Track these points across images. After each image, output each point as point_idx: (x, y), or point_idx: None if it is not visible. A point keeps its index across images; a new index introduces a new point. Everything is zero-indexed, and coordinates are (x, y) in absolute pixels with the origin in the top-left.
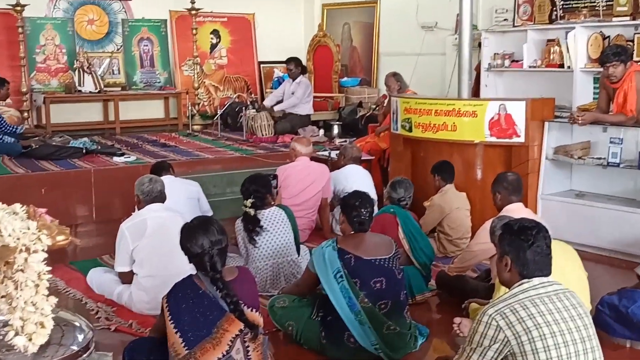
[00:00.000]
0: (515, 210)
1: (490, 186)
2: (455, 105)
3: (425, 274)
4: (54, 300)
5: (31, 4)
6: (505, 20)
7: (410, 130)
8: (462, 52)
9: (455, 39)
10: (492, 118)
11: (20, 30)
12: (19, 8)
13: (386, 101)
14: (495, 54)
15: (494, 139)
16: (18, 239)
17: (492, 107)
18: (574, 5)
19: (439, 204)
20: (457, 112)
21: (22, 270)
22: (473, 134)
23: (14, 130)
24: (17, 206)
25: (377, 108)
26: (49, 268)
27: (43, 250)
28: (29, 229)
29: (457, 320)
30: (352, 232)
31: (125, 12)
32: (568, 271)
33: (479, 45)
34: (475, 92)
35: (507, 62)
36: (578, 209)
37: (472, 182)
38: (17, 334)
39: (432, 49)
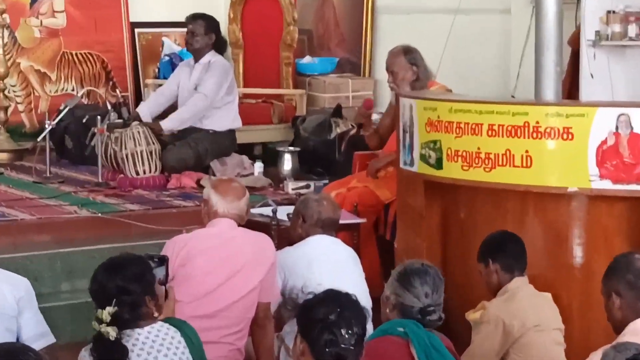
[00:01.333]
0: None
1: (602, 281)
2: (529, 115)
3: None
4: None
5: None
6: None
7: (438, 165)
8: (543, 9)
9: None
10: (604, 142)
11: None
12: None
13: (389, 106)
14: (609, 12)
15: (607, 185)
16: None
17: (603, 119)
18: None
19: (499, 318)
20: (534, 129)
21: None
22: (566, 174)
23: None
24: None
25: (362, 128)
26: None
27: None
28: None
29: None
30: None
31: None
32: None
33: None
34: (571, 90)
35: (633, 30)
36: None
37: (564, 272)
38: None
39: (484, 2)
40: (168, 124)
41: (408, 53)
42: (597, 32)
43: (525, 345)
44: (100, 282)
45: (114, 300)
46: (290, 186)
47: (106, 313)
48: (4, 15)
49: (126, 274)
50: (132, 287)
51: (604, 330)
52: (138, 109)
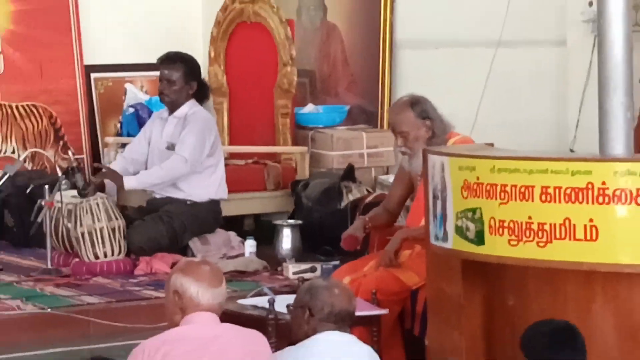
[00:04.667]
0: None
1: None
2: (593, 175)
3: None
4: None
5: None
6: None
7: (479, 239)
8: (607, 39)
9: (590, 4)
10: None
11: None
12: None
13: (400, 171)
14: None
15: None
16: None
17: None
18: None
19: None
20: (600, 192)
21: None
22: None
23: None
24: None
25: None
26: None
27: None
28: None
29: None
30: None
31: None
32: None
33: None
34: None
35: None
36: None
37: None
38: None
39: (533, 32)
40: (132, 182)
41: (416, 105)
42: None
43: None
44: None
45: None
46: (291, 270)
47: None
48: None
49: None
50: None
51: None
52: (94, 178)
